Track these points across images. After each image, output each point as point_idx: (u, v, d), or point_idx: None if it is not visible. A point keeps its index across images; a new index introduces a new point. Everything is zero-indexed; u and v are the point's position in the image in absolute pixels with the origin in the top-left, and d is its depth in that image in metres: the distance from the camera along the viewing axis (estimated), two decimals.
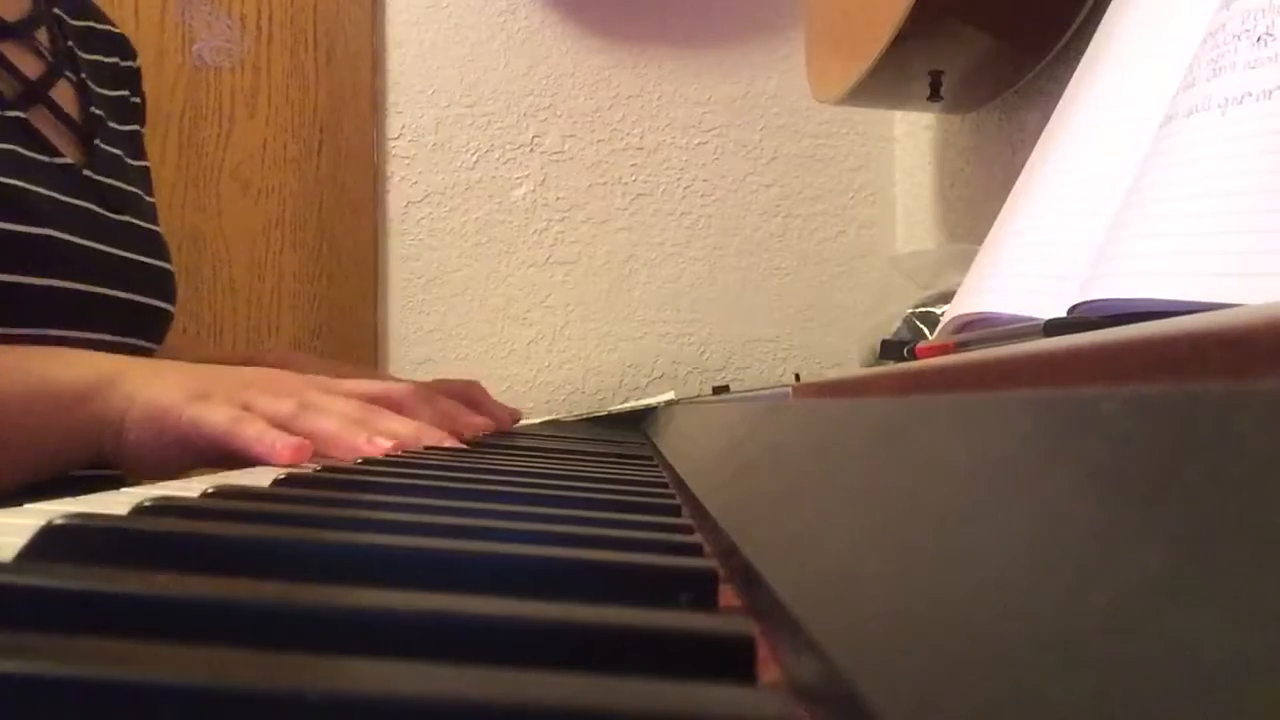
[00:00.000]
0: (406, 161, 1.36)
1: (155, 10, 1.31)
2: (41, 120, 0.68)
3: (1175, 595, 0.08)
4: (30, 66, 0.69)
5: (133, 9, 1.30)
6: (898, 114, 1.40)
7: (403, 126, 1.36)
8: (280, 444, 0.48)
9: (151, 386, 0.54)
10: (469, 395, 0.80)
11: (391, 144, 1.36)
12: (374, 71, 1.35)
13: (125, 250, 0.70)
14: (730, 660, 0.15)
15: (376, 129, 1.35)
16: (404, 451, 0.52)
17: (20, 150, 0.64)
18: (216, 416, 0.51)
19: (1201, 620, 0.08)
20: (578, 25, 1.39)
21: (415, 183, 1.36)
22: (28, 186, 0.62)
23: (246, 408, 0.52)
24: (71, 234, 0.65)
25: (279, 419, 0.51)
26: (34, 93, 0.68)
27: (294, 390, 0.55)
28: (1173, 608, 0.08)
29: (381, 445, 0.52)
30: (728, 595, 0.21)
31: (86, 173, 0.69)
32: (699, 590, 0.20)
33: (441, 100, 1.37)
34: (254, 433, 0.50)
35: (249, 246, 1.32)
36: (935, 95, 0.96)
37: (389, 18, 1.36)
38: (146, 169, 0.81)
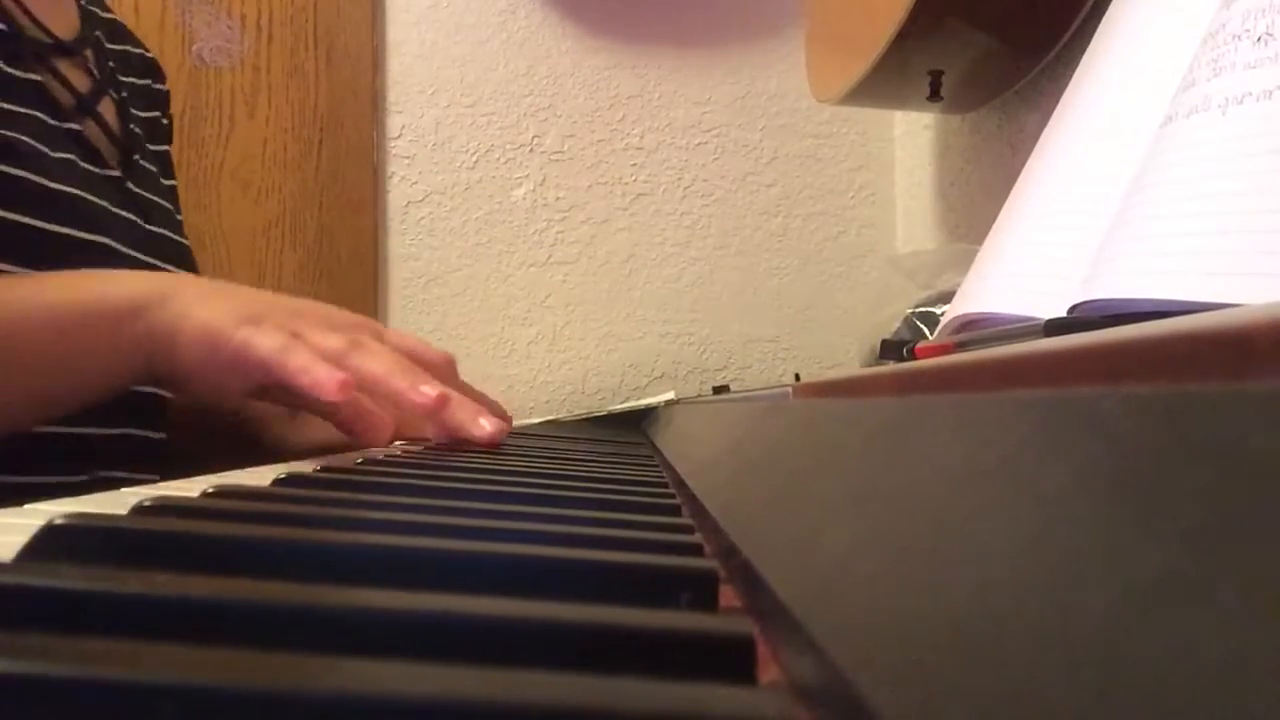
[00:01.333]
0: (406, 161, 1.36)
1: (155, 10, 1.31)
2: (91, 133, 0.70)
3: (1175, 595, 0.08)
4: (80, 83, 0.71)
5: (133, 9, 1.30)
6: (898, 114, 1.40)
7: (403, 126, 1.36)
8: (326, 377, 0.49)
9: (204, 306, 0.54)
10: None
11: (391, 144, 1.36)
12: (374, 71, 1.35)
13: (161, 260, 0.72)
14: (730, 660, 0.15)
15: (376, 129, 1.35)
16: (404, 451, 0.52)
17: (77, 160, 0.65)
18: (266, 341, 0.51)
19: (1201, 620, 0.08)
20: (578, 25, 1.39)
21: (415, 182, 1.36)
22: (84, 195, 0.64)
23: (297, 336, 0.53)
24: (120, 242, 0.66)
25: (328, 353, 0.52)
26: (84, 107, 0.70)
27: (345, 327, 0.56)
28: (1172, 608, 0.08)
29: (427, 395, 0.52)
30: (728, 595, 0.21)
31: (129, 185, 0.71)
32: (699, 590, 0.20)
33: (441, 100, 1.37)
34: (300, 362, 0.50)
35: (249, 246, 1.32)
36: (935, 95, 0.96)
37: (389, 18, 1.36)
38: (175, 188, 0.84)
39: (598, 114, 1.39)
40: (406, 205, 1.36)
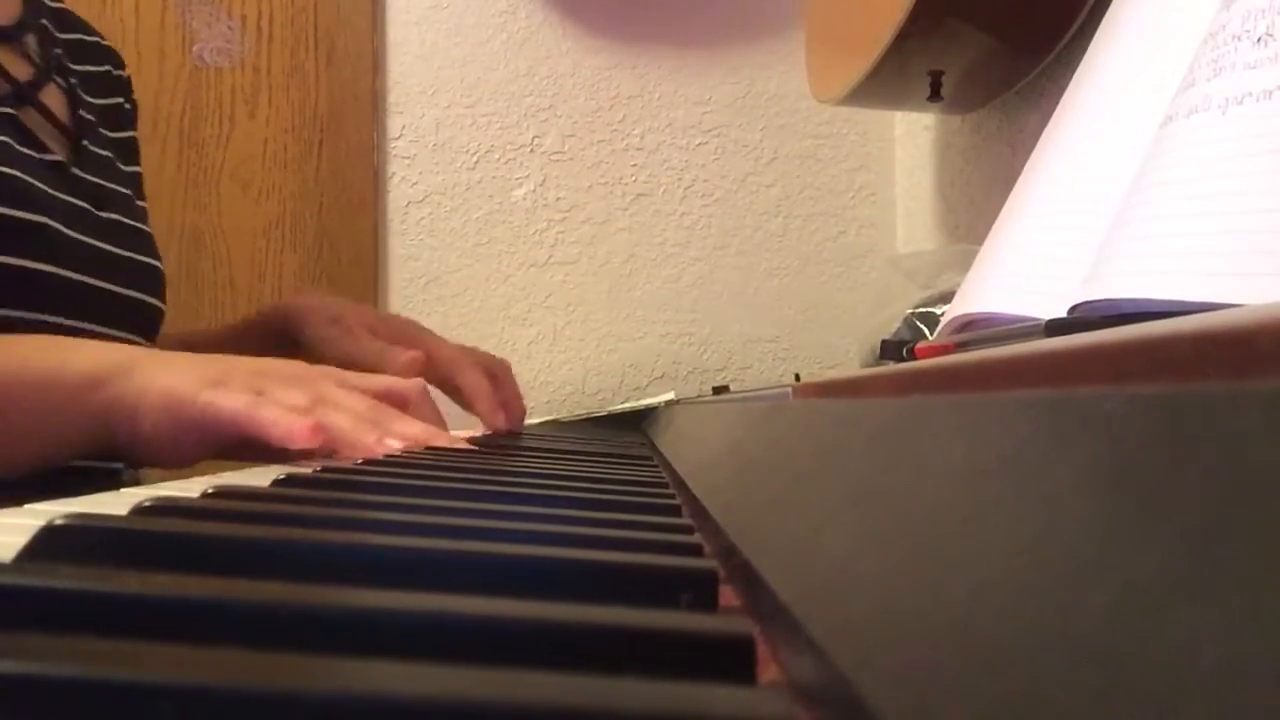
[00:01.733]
0: (406, 161, 1.36)
1: (155, 10, 1.31)
2: (31, 120, 0.68)
3: (1176, 595, 0.08)
4: (19, 70, 0.70)
5: (133, 9, 1.30)
6: (898, 114, 1.40)
7: (403, 126, 1.36)
8: (297, 425, 0.49)
9: (165, 374, 0.54)
10: (494, 371, 0.82)
11: (392, 144, 1.36)
12: (374, 71, 1.35)
13: (113, 245, 0.71)
14: (730, 660, 0.15)
15: (376, 129, 1.35)
16: (404, 451, 0.52)
17: (11, 143, 0.64)
18: (231, 400, 0.52)
19: (1202, 621, 0.08)
20: (578, 25, 1.39)
21: (415, 183, 1.36)
22: (20, 175, 0.63)
23: (261, 395, 0.53)
24: (63, 225, 0.65)
25: (294, 410, 0.52)
26: (23, 94, 0.69)
27: (308, 380, 0.56)
28: (1173, 608, 0.08)
29: (391, 446, 0.52)
30: (728, 595, 0.21)
31: (75, 170, 0.70)
32: (699, 591, 0.20)
33: (442, 100, 1.37)
34: (270, 415, 0.50)
35: (249, 246, 1.32)
36: (935, 95, 0.96)
37: (389, 18, 1.36)
38: (139, 174, 0.82)
39: (598, 114, 1.39)
40: (407, 206, 1.36)
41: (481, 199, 1.37)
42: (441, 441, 0.55)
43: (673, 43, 1.40)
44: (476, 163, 1.37)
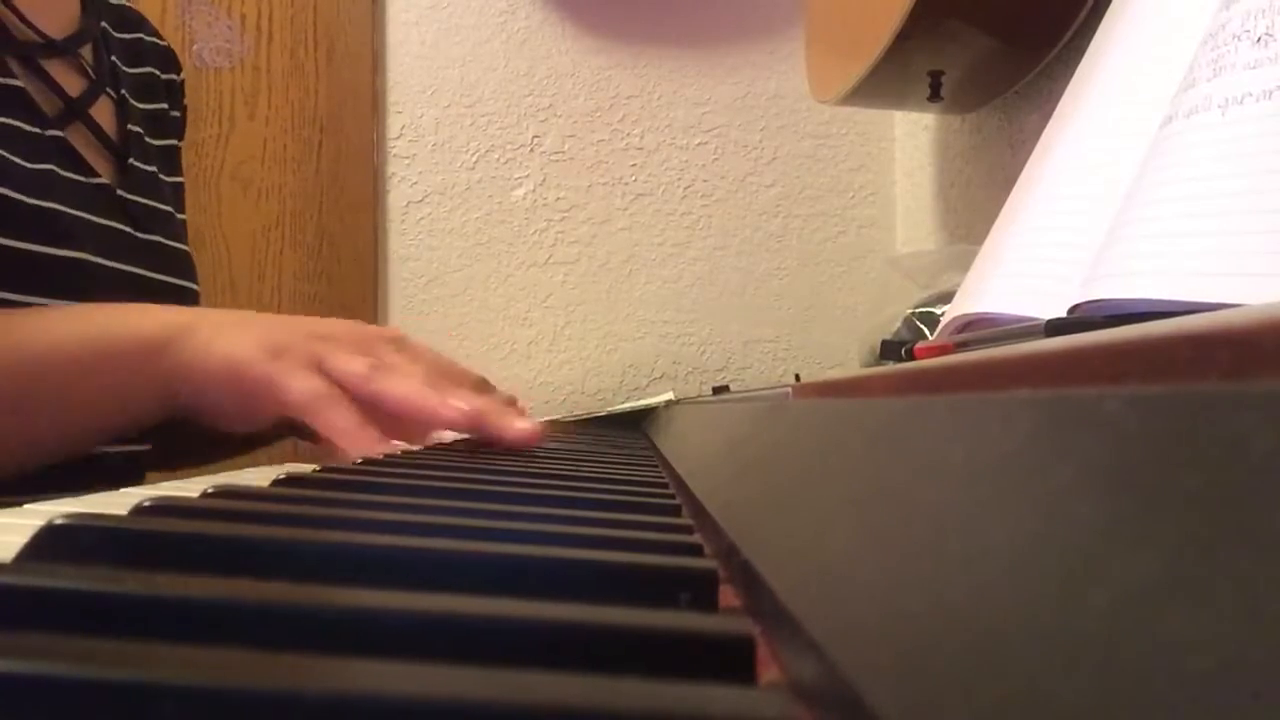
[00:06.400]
0: (406, 161, 1.36)
1: (155, 11, 1.31)
2: (79, 139, 0.67)
3: (1175, 596, 0.08)
4: (72, 84, 0.68)
5: None
6: (898, 114, 1.40)
7: (403, 126, 1.36)
8: (364, 439, 0.50)
9: (227, 338, 0.53)
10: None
11: (391, 144, 1.36)
12: (374, 71, 1.35)
13: (151, 270, 0.70)
14: (730, 660, 0.15)
15: (376, 129, 1.35)
16: (403, 451, 0.52)
17: (56, 170, 0.63)
18: (297, 387, 0.51)
19: (1202, 621, 0.08)
20: (578, 25, 1.39)
21: (415, 183, 1.36)
22: (61, 208, 0.62)
23: (321, 363, 0.53)
24: (101, 255, 0.64)
25: (354, 379, 0.52)
26: (74, 110, 0.67)
27: (367, 343, 0.55)
28: (1173, 609, 0.08)
29: (459, 409, 0.52)
30: (728, 595, 0.21)
31: (120, 192, 0.69)
32: (699, 590, 0.20)
33: (441, 100, 1.37)
34: (341, 423, 0.50)
35: (249, 246, 1.32)
36: (935, 95, 0.96)
37: (389, 18, 1.36)
38: (180, 185, 0.81)
39: (598, 114, 1.39)
40: (406, 205, 1.36)
41: (481, 199, 1.37)
42: (501, 415, 0.54)
43: (673, 43, 1.40)
44: (476, 162, 1.37)
